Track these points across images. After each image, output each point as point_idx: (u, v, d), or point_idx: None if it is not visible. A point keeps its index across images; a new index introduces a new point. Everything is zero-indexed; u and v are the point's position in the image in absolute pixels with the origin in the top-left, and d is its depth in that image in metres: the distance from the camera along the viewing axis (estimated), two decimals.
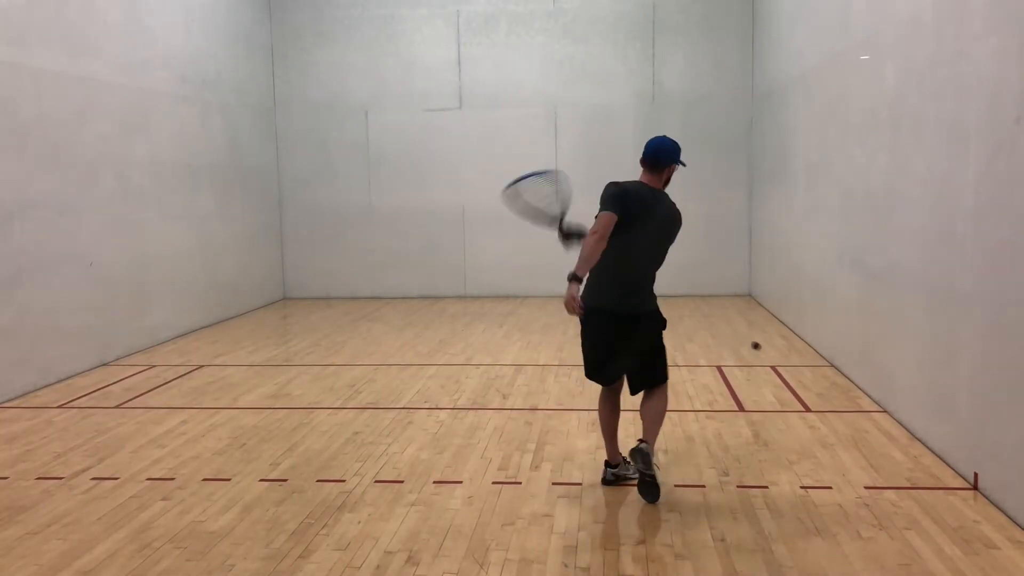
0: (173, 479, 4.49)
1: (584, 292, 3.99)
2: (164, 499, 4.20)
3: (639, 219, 3.97)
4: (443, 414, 5.63)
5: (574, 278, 3.84)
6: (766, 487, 4.22)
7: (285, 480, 4.45)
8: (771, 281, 9.53)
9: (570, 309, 3.83)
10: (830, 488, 4.18)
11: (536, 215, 4.54)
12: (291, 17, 11.16)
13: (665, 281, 4.48)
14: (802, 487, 4.21)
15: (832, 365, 6.78)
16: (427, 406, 5.85)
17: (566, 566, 3.41)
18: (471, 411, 5.70)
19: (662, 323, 4.19)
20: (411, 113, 11.11)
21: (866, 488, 4.17)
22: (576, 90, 10.91)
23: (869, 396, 5.80)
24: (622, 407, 4.34)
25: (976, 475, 4.11)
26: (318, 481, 4.42)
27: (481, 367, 7.06)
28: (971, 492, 4.09)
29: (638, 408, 4.26)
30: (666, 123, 10.82)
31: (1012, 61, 3.73)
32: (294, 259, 11.50)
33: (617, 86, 10.85)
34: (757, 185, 10.43)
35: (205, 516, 3.98)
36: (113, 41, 7.63)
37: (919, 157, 4.85)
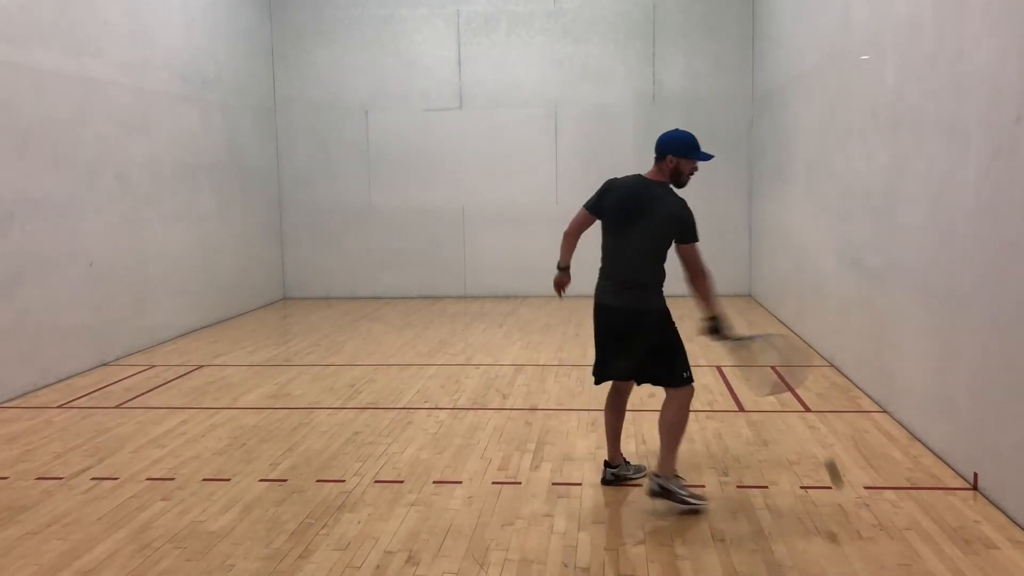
0: (173, 479, 4.49)
1: (595, 289, 4.18)
2: (164, 499, 4.21)
3: (626, 214, 4.00)
4: (443, 414, 5.63)
5: (558, 266, 4.31)
6: (766, 487, 4.22)
7: (285, 480, 4.45)
8: (771, 281, 9.53)
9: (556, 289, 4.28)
10: (830, 488, 4.18)
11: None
12: (291, 17, 11.16)
13: (665, 281, 4.44)
14: (802, 487, 4.21)
15: (832, 365, 6.78)
16: (427, 406, 5.85)
17: (566, 566, 3.41)
18: (471, 411, 5.70)
19: (664, 321, 4.02)
20: (411, 113, 11.11)
21: (866, 488, 4.17)
22: (576, 90, 10.91)
23: (869, 396, 5.80)
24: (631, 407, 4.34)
25: (976, 475, 4.11)
26: (318, 481, 4.42)
27: (481, 367, 7.06)
28: (971, 492, 4.09)
29: (638, 409, 4.26)
30: (666, 123, 10.77)
31: (1012, 61, 3.73)
32: (294, 259, 11.50)
33: (617, 86, 10.86)
34: (757, 185, 10.43)
35: (205, 516, 3.98)
36: (113, 41, 7.63)
37: (919, 157, 4.85)
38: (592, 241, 11.65)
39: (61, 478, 4.53)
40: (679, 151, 4.03)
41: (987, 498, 3.99)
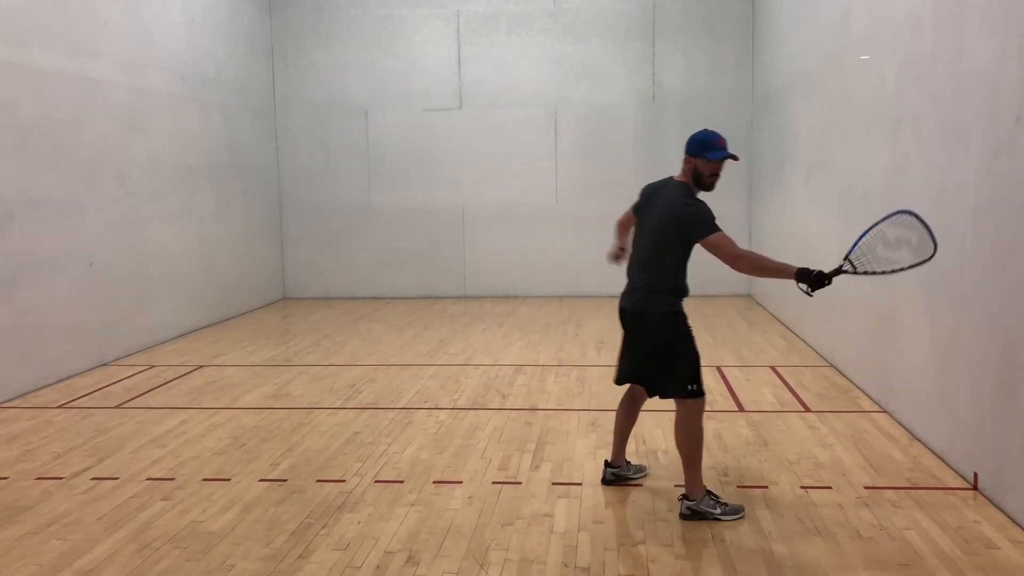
0: (173, 479, 4.49)
1: None
2: (164, 499, 4.20)
3: (641, 215, 4.06)
4: (443, 414, 5.63)
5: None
6: (766, 487, 4.22)
7: (285, 480, 4.45)
8: (771, 281, 9.52)
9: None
10: (830, 488, 4.18)
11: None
12: (291, 17, 11.16)
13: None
14: (802, 487, 4.21)
15: (832, 365, 6.78)
16: (427, 406, 5.85)
17: (566, 566, 3.41)
18: (471, 411, 5.70)
19: (669, 326, 3.89)
20: (411, 113, 11.11)
21: (866, 488, 4.17)
22: (576, 90, 10.91)
23: (869, 396, 5.80)
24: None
25: (976, 475, 4.11)
26: (318, 481, 4.42)
27: (481, 367, 7.06)
28: (971, 492, 4.09)
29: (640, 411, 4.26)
30: (666, 123, 10.84)
31: (1012, 61, 3.73)
32: (294, 259, 11.50)
33: (617, 86, 10.86)
34: (757, 185, 10.43)
35: (205, 516, 3.98)
36: (113, 41, 7.63)
37: (919, 157, 4.85)
38: (592, 242, 11.61)
39: (61, 478, 4.53)
40: (694, 151, 3.90)
41: (987, 498, 3.99)
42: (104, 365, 7.32)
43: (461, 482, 4.37)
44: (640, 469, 4.36)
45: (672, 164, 10.33)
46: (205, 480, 4.47)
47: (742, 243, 11.84)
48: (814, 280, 3.62)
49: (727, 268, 3.84)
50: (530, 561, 3.45)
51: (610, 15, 10.81)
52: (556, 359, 7.34)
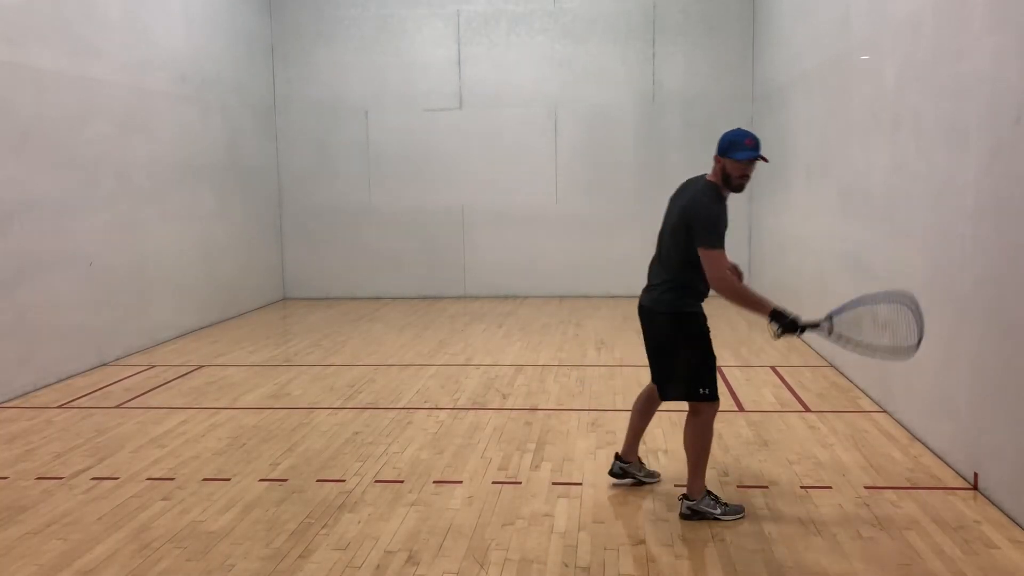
0: (173, 479, 4.49)
1: None
2: (164, 499, 4.20)
3: (668, 209, 3.99)
4: (443, 414, 5.63)
5: None
6: (766, 487, 4.22)
7: (285, 480, 4.45)
8: (770, 281, 9.53)
9: None
10: (830, 488, 4.18)
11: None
12: (291, 17, 11.16)
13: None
14: (802, 487, 4.21)
15: (831, 365, 6.78)
16: (427, 406, 5.85)
17: (566, 566, 3.41)
18: (471, 411, 5.70)
19: (677, 326, 3.83)
20: (411, 113, 11.11)
21: (866, 488, 4.17)
22: (576, 90, 10.91)
23: (869, 396, 5.80)
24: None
25: (976, 475, 4.11)
26: (318, 481, 4.42)
27: (481, 367, 7.06)
28: (971, 492, 4.09)
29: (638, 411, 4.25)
30: (666, 123, 10.85)
31: (1012, 61, 3.73)
32: (294, 259, 11.50)
33: (617, 86, 10.85)
34: (757, 185, 10.41)
35: (205, 516, 3.98)
36: (113, 41, 7.63)
37: (919, 157, 4.85)
38: (592, 242, 11.55)
39: (61, 478, 4.53)
40: (722, 150, 3.78)
41: (987, 498, 3.99)
42: (104, 365, 7.32)
43: (461, 482, 4.37)
44: (652, 475, 4.30)
45: (672, 164, 10.45)
46: (205, 480, 4.47)
47: (742, 243, 11.80)
48: (788, 324, 3.60)
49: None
50: (530, 561, 3.45)
51: (610, 15, 10.80)
52: (556, 359, 7.34)
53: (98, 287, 7.31)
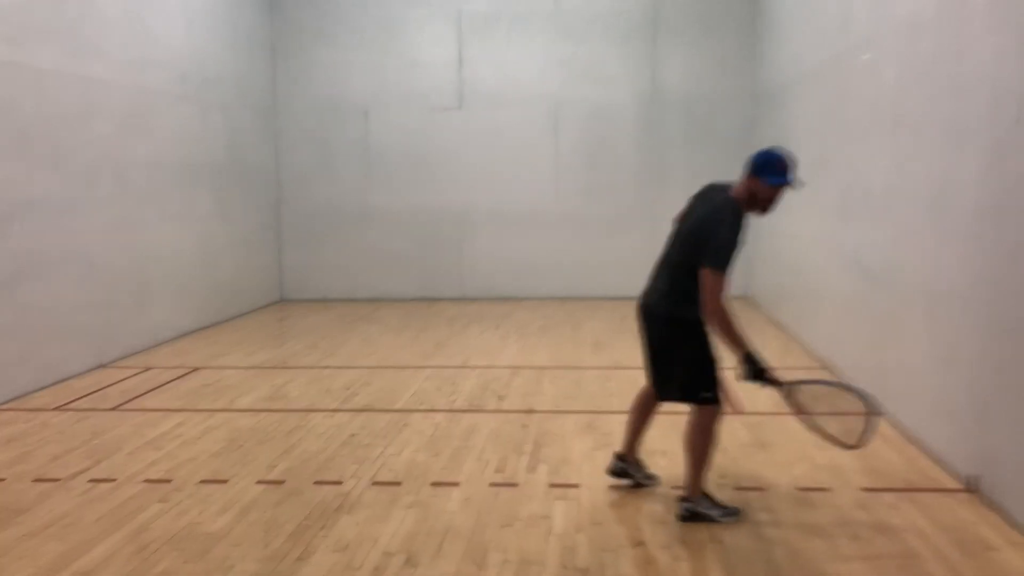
0: (170, 481, 4.48)
1: None
2: (161, 501, 4.20)
3: (688, 213, 3.92)
4: (440, 416, 5.62)
5: None
6: (764, 489, 4.21)
7: (282, 482, 4.44)
8: (769, 282, 9.52)
9: None
10: (828, 490, 4.17)
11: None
12: (292, 16, 11.15)
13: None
14: (800, 489, 4.20)
15: (830, 366, 6.77)
16: (424, 408, 5.84)
17: (564, 567, 3.40)
18: (468, 413, 5.69)
19: (674, 329, 3.80)
20: (412, 113, 11.10)
21: (864, 490, 4.16)
22: (576, 90, 10.89)
23: None
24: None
25: (975, 476, 4.09)
26: (315, 483, 4.41)
27: (478, 369, 7.04)
28: (969, 494, 4.08)
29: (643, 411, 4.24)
30: (666, 123, 10.83)
31: (1012, 61, 3.73)
32: (292, 260, 11.48)
33: (617, 86, 10.84)
34: None
35: (202, 518, 3.98)
36: (113, 41, 7.62)
37: (919, 157, 4.84)
38: (592, 243, 11.54)
39: (58, 480, 4.52)
40: (754, 170, 3.66)
41: (985, 500, 3.98)
42: (102, 366, 7.31)
43: (458, 484, 4.36)
44: (650, 477, 4.29)
45: (672, 164, 10.43)
46: (202, 482, 4.46)
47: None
48: (755, 371, 3.57)
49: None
50: (528, 563, 3.44)
51: (610, 15, 10.79)
52: (553, 361, 7.33)
53: (97, 287, 7.30)
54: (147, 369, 7.20)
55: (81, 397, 6.27)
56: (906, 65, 5.09)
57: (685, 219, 3.92)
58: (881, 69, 5.54)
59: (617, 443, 4.46)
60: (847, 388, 3.59)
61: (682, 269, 3.76)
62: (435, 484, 4.35)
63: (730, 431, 5.13)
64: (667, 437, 4.99)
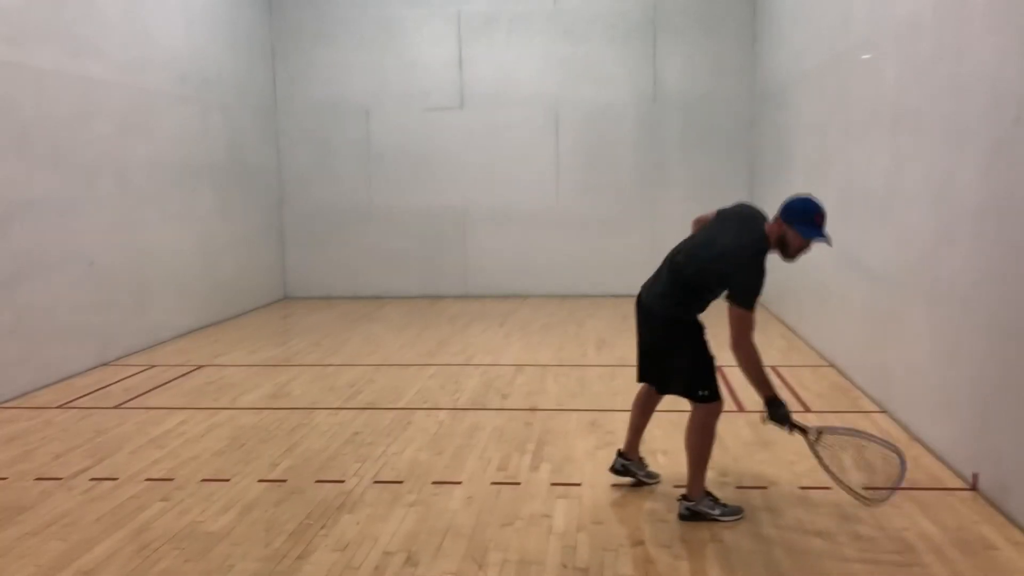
0: (172, 479, 4.49)
1: None
2: (163, 500, 4.20)
3: (713, 225, 3.91)
4: (443, 414, 5.63)
5: None
6: (765, 487, 4.22)
7: (284, 481, 4.45)
8: (771, 281, 9.51)
9: None
10: (829, 488, 4.17)
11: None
12: (291, 16, 11.15)
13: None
14: (801, 487, 4.20)
15: (832, 365, 6.77)
16: (427, 406, 5.84)
17: (565, 567, 3.40)
18: (471, 411, 5.70)
19: (671, 329, 3.84)
20: (412, 113, 11.10)
21: (866, 489, 4.15)
22: (576, 90, 10.90)
23: (869, 396, 5.79)
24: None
25: (976, 475, 4.10)
26: (317, 482, 4.41)
27: (481, 367, 7.05)
28: (971, 492, 4.08)
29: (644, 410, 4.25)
30: (666, 123, 10.84)
31: (1012, 61, 3.73)
32: (294, 259, 11.50)
33: (617, 86, 10.85)
34: (757, 185, 10.42)
35: (204, 517, 3.98)
36: (113, 41, 7.63)
37: (919, 157, 4.85)
38: (592, 242, 11.53)
39: (60, 478, 4.53)
40: (788, 217, 3.62)
41: (987, 498, 3.98)
42: (104, 365, 7.32)
43: (460, 482, 4.36)
44: (652, 475, 4.29)
45: (672, 164, 10.45)
46: (204, 480, 4.47)
47: None
48: (780, 414, 3.57)
49: None
50: (529, 562, 3.45)
51: (610, 15, 10.80)
52: (556, 359, 7.33)
53: (98, 287, 7.31)
54: (149, 367, 7.21)
55: (83, 395, 6.28)
56: (906, 65, 5.09)
57: (706, 230, 3.90)
58: (881, 69, 5.55)
59: (620, 442, 4.46)
60: (877, 441, 3.52)
61: (685, 277, 3.79)
62: (437, 483, 4.36)
63: (732, 429, 5.14)
64: (668, 436, 5.00)
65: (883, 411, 5.46)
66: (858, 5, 6.11)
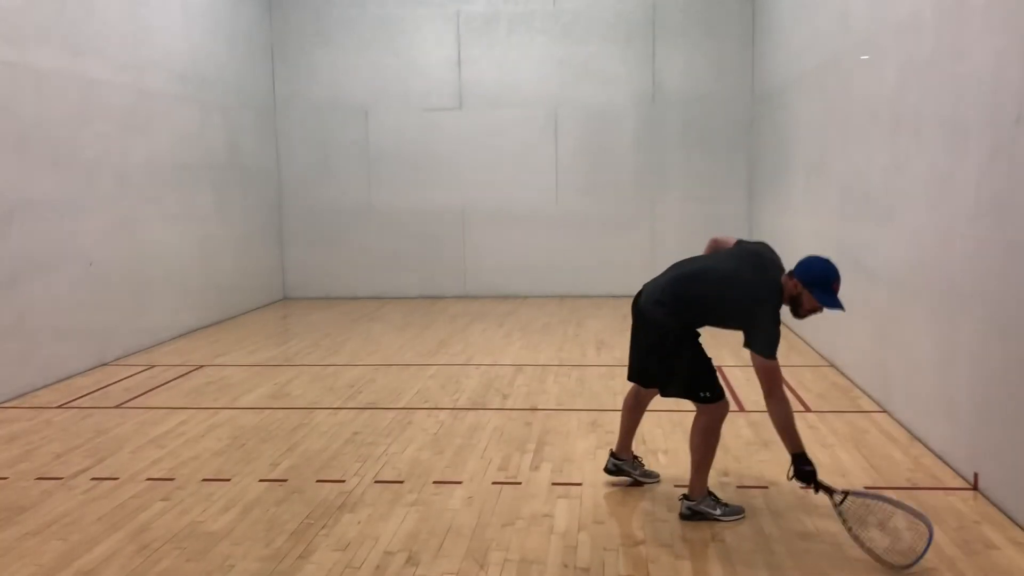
0: (173, 479, 4.49)
1: None
2: (164, 499, 4.20)
3: (729, 257, 3.90)
4: (443, 414, 5.63)
5: None
6: (766, 487, 4.22)
7: (285, 480, 4.45)
8: None
9: None
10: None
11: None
12: (291, 17, 11.16)
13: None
14: (802, 487, 4.20)
15: (832, 365, 6.78)
16: (427, 406, 5.84)
17: (566, 566, 3.40)
18: (471, 411, 5.70)
19: (666, 335, 3.82)
20: (411, 113, 11.11)
21: (866, 488, 4.16)
22: (576, 90, 10.90)
23: (869, 396, 5.79)
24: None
25: (976, 475, 4.11)
26: (318, 481, 4.41)
27: (481, 367, 7.05)
28: (971, 492, 4.08)
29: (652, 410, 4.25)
30: (666, 123, 10.84)
31: (1012, 61, 3.73)
32: (294, 259, 11.50)
33: (617, 86, 10.85)
34: (757, 185, 10.43)
35: (205, 516, 3.98)
36: (113, 41, 7.62)
37: (919, 157, 4.85)
38: (592, 242, 11.51)
39: (60, 478, 4.53)
40: (806, 280, 3.60)
41: (987, 498, 3.99)
42: (104, 365, 7.32)
43: (461, 482, 4.36)
44: (649, 474, 4.29)
45: (672, 164, 10.44)
46: (205, 480, 4.47)
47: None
48: (806, 472, 3.56)
49: None
50: (530, 561, 3.45)
51: (610, 15, 10.80)
52: (556, 359, 7.33)
53: (98, 287, 7.31)
54: (149, 367, 7.21)
55: (83, 395, 6.28)
56: (906, 65, 5.09)
57: (722, 258, 3.90)
58: (881, 69, 5.55)
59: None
60: (905, 508, 3.46)
61: (688, 294, 3.79)
62: (437, 482, 4.36)
63: (733, 429, 5.14)
64: (670, 436, 5.00)
65: (883, 411, 5.46)
66: (857, 5, 6.12)
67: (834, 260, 3.77)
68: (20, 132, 6.39)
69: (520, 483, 4.33)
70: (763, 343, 3.58)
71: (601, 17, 10.81)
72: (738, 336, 3.74)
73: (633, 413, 4.25)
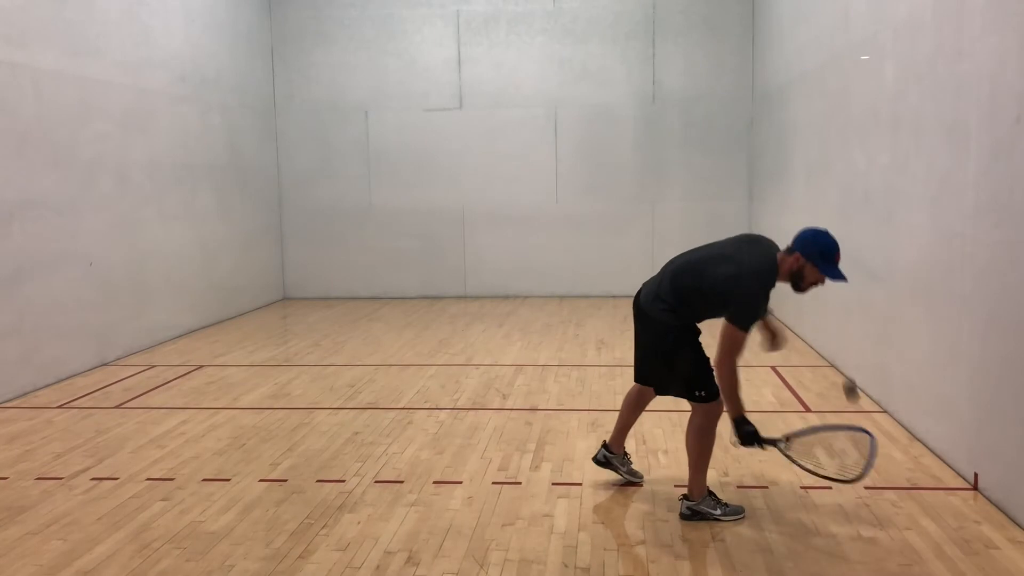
0: (173, 479, 4.49)
1: None
2: (164, 499, 4.20)
3: (727, 244, 3.90)
4: (443, 414, 5.63)
5: None
6: (766, 487, 4.22)
7: (285, 480, 4.45)
8: None
9: None
10: (830, 488, 4.17)
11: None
12: (291, 17, 11.16)
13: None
14: (802, 487, 4.20)
15: (832, 365, 6.78)
16: (427, 406, 5.84)
17: (566, 566, 3.40)
18: (471, 411, 5.70)
19: (665, 335, 3.84)
20: (411, 113, 11.11)
21: (866, 488, 4.16)
22: (576, 90, 10.90)
23: (869, 396, 5.79)
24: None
25: (976, 475, 4.11)
26: (318, 481, 4.42)
27: (481, 367, 7.05)
28: (971, 492, 4.09)
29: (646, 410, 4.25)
30: (666, 123, 10.84)
31: (1012, 61, 3.73)
32: (294, 259, 11.50)
33: (617, 86, 10.85)
34: (757, 185, 10.43)
35: (205, 516, 3.98)
36: (113, 41, 7.63)
37: (919, 157, 4.85)
38: (592, 242, 11.52)
39: (61, 478, 4.53)
40: (809, 253, 3.60)
41: (987, 498, 3.99)
42: (104, 365, 7.32)
43: (461, 482, 4.36)
44: (634, 474, 4.30)
45: (672, 164, 10.44)
46: (205, 480, 4.47)
47: None
48: (747, 432, 3.62)
49: None
50: (530, 561, 3.45)
51: (610, 15, 10.80)
52: (556, 359, 7.33)
53: (98, 287, 7.31)
54: (149, 367, 7.21)
55: (83, 395, 6.28)
56: (906, 65, 5.09)
57: (716, 246, 3.89)
58: (881, 69, 5.55)
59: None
60: (842, 429, 3.63)
61: (683, 286, 3.79)
62: (438, 482, 4.36)
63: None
64: (670, 436, 5.00)
65: (883, 411, 5.46)
66: (857, 5, 6.12)
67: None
68: (20, 132, 6.39)
69: (520, 483, 4.33)
70: (740, 314, 3.57)
71: (601, 17, 10.82)
72: None
73: (633, 410, 4.25)
